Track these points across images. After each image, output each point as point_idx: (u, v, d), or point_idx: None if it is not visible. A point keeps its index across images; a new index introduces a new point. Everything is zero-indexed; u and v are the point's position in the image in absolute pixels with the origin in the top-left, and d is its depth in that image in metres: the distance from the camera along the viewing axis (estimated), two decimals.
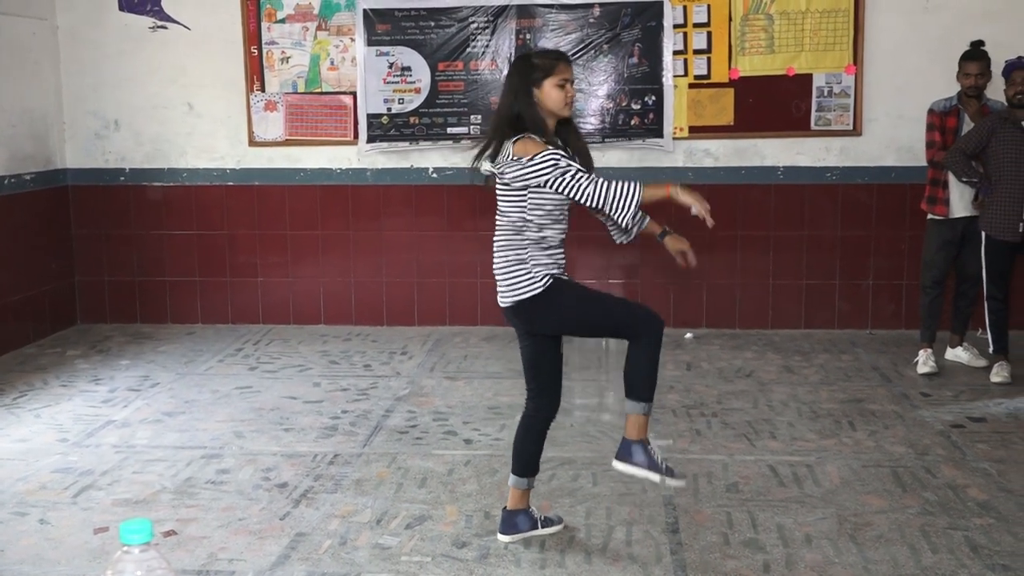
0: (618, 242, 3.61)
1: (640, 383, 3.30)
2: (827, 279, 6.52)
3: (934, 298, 5.62)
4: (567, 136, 3.42)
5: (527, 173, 3.21)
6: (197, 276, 6.88)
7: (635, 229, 3.52)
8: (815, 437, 4.55)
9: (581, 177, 3.17)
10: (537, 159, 3.19)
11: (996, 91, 5.45)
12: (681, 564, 3.34)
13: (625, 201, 3.17)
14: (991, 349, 5.44)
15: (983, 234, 5.33)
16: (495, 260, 3.40)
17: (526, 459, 3.50)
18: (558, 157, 3.19)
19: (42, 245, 6.62)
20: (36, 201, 6.55)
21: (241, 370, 5.83)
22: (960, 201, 5.47)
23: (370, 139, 6.57)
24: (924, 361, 5.58)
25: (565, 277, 3.41)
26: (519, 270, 3.34)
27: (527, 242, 3.33)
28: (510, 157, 3.24)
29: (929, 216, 5.59)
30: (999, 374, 5.34)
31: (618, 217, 3.19)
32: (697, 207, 3.24)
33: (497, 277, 3.40)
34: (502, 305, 3.41)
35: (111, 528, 3.66)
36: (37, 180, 6.55)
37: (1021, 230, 5.20)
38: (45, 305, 6.64)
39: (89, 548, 3.51)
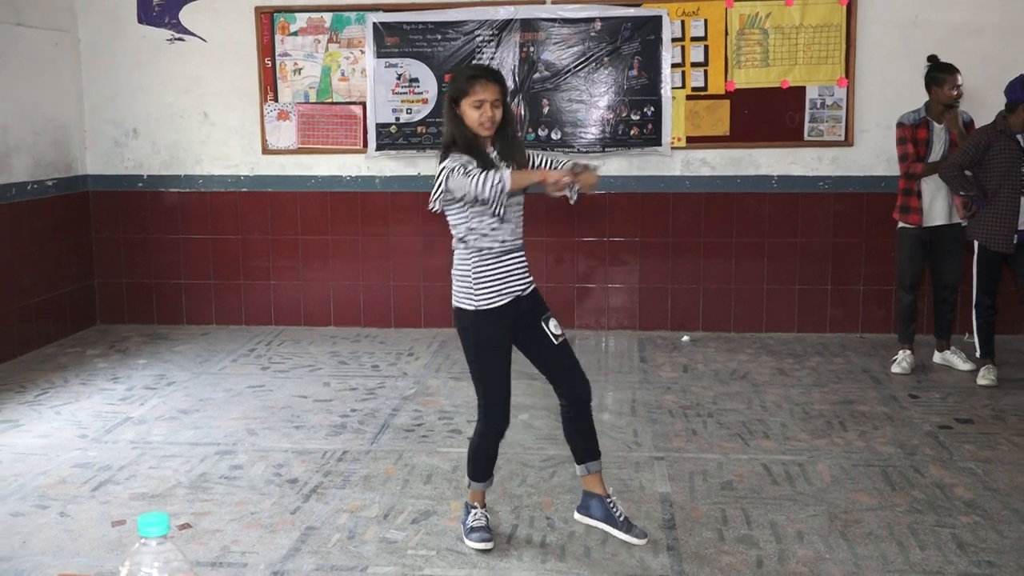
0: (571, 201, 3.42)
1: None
2: (819, 284, 6.56)
3: (911, 301, 5.70)
4: (502, 145, 3.37)
5: (435, 189, 3.27)
6: (212, 279, 6.95)
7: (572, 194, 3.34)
8: (807, 437, 4.59)
9: (462, 179, 3.14)
10: (438, 176, 3.24)
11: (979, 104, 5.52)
12: (677, 559, 3.38)
13: (495, 191, 3.11)
14: (978, 353, 5.50)
15: (976, 244, 5.37)
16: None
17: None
18: (450, 168, 3.19)
19: (63, 248, 6.68)
20: (58, 206, 6.61)
21: (254, 370, 5.87)
22: (932, 210, 5.53)
23: (379, 147, 6.64)
24: (900, 361, 5.67)
25: (512, 298, 3.37)
26: (461, 280, 3.41)
27: (470, 251, 3.36)
28: (438, 179, 3.27)
29: (901, 224, 5.64)
30: (986, 377, 5.40)
31: (493, 207, 3.18)
32: (556, 181, 3.14)
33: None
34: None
35: (128, 521, 3.70)
36: (59, 186, 6.62)
37: (1015, 241, 5.26)
38: (66, 306, 6.71)
39: (107, 540, 3.57)
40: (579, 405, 3.52)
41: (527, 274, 3.46)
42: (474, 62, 6.49)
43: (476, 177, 3.13)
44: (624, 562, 3.38)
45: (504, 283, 3.39)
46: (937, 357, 5.85)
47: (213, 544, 3.53)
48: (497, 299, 3.38)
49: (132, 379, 5.70)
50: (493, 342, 3.42)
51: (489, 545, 3.49)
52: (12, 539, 3.60)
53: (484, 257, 3.36)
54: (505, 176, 3.13)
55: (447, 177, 3.21)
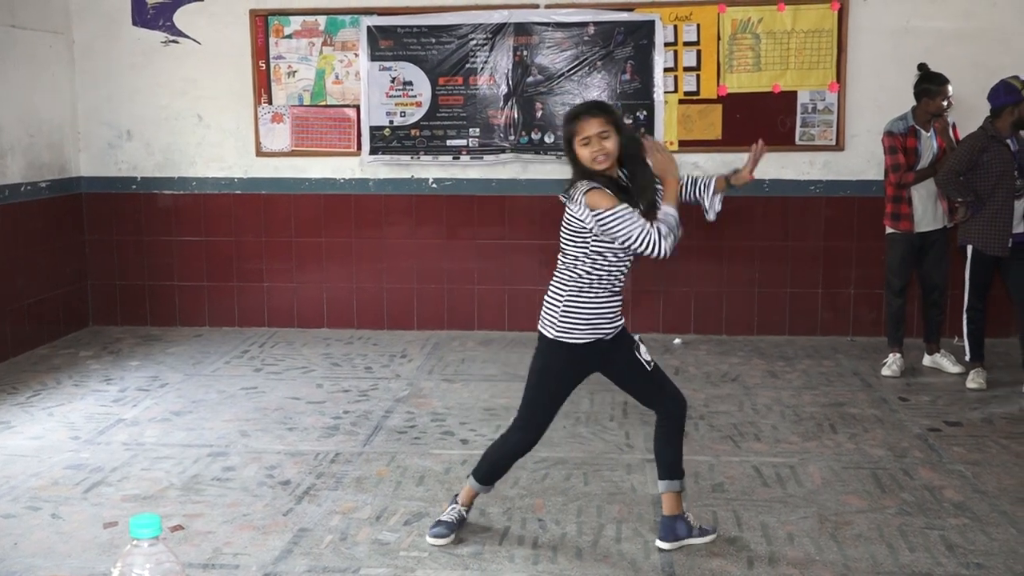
0: (709, 219, 3.60)
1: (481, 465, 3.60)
2: (810, 288, 6.60)
3: (902, 304, 5.74)
4: (634, 172, 3.36)
5: (599, 224, 3.21)
6: (205, 281, 6.95)
7: (712, 209, 3.55)
8: (798, 439, 4.61)
9: (636, 230, 3.17)
10: (607, 213, 3.17)
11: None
12: (668, 560, 3.39)
13: (672, 236, 3.22)
14: (968, 357, 5.54)
15: (969, 248, 5.40)
16: (550, 286, 3.44)
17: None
18: (626, 212, 3.19)
19: (56, 250, 6.68)
20: (51, 208, 6.61)
21: (247, 371, 5.88)
22: (924, 216, 5.58)
23: (372, 150, 6.66)
24: (890, 364, 5.71)
25: (594, 338, 3.35)
26: (550, 306, 3.39)
27: (571, 283, 3.34)
28: (582, 205, 3.22)
29: (891, 230, 5.68)
30: (975, 380, 5.43)
31: (658, 251, 3.22)
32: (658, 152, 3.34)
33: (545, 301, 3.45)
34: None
35: (120, 523, 3.70)
36: (52, 187, 6.63)
37: (1010, 245, 5.30)
38: (59, 308, 6.71)
39: (99, 542, 3.56)
40: (676, 420, 3.52)
41: (618, 317, 3.43)
42: (468, 65, 6.53)
43: (651, 234, 3.18)
44: (615, 564, 3.39)
45: (590, 325, 3.36)
46: (927, 360, 5.88)
47: (205, 546, 3.54)
48: (579, 337, 3.36)
49: (125, 381, 5.70)
50: (558, 374, 3.43)
51: (442, 542, 3.54)
52: (3, 541, 3.60)
53: (584, 294, 3.34)
54: (669, 215, 3.23)
55: (619, 218, 3.17)
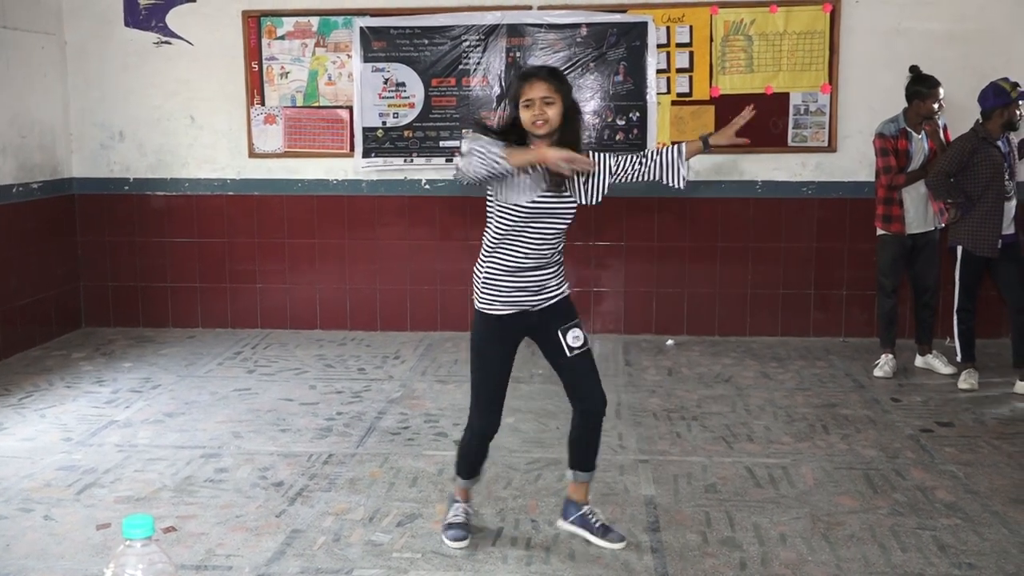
0: (676, 186, 3.37)
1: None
2: (803, 289, 6.62)
3: (894, 305, 5.76)
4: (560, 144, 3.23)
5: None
6: (198, 282, 6.94)
7: (679, 176, 3.32)
8: (790, 440, 4.62)
9: (466, 153, 3.06)
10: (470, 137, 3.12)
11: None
12: (661, 561, 3.39)
13: (470, 160, 3.06)
14: (959, 358, 5.56)
15: (959, 249, 5.42)
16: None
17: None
18: (479, 139, 3.09)
19: (49, 251, 6.67)
20: (43, 209, 6.60)
21: (239, 373, 5.87)
22: (916, 218, 5.60)
23: (365, 152, 6.66)
24: (882, 365, 5.73)
25: (515, 309, 3.32)
26: (476, 274, 3.37)
27: (489, 252, 3.32)
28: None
29: (882, 232, 5.69)
30: (967, 381, 5.46)
31: (482, 171, 3.06)
32: (557, 158, 3.04)
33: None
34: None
35: (113, 524, 3.69)
36: (44, 188, 6.61)
37: (1000, 246, 5.32)
38: (51, 309, 6.70)
39: (92, 544, 3.55)
40: (588, 416, 3.46)
41: (544, 292, 3.35)
42: (461, 66, 6.53)
43: (475, 145, 3.04)
44: (608, 564, 3.39)
45: (509, 296, 3.33)
46: (919, 361, 5.91)
47: (198, 547, 3.53)
48: (498, 308, 3.35)
49: (117, 382, 5.70)
50: (487, 346, 3.39)
51: (462, 544, 3.51)
52: None
53: (498, 266, 3.31)
54: (497, 147, 3.03)
55: (469, 139, 3.10)
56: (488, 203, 3.33)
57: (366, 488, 4.08)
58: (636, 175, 3.36)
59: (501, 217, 3.27)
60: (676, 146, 3.36)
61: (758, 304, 6.67)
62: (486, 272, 3.34)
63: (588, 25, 6.44)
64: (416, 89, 6.61)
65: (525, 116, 3.22)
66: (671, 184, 3.36)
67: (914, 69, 5.61)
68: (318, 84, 6.68)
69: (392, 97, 6.63)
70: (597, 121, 6.52)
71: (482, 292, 3.35)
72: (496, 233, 3.30)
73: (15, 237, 6.33)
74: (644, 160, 3.35)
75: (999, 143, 5.32)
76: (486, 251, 3.35)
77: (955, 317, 5.55)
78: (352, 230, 6.83)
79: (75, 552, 3.50)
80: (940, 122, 5.63)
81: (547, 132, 3.21)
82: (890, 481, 4.12)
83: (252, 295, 6.95)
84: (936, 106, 5.48)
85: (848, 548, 3.50)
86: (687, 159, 3.33)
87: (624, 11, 6.44)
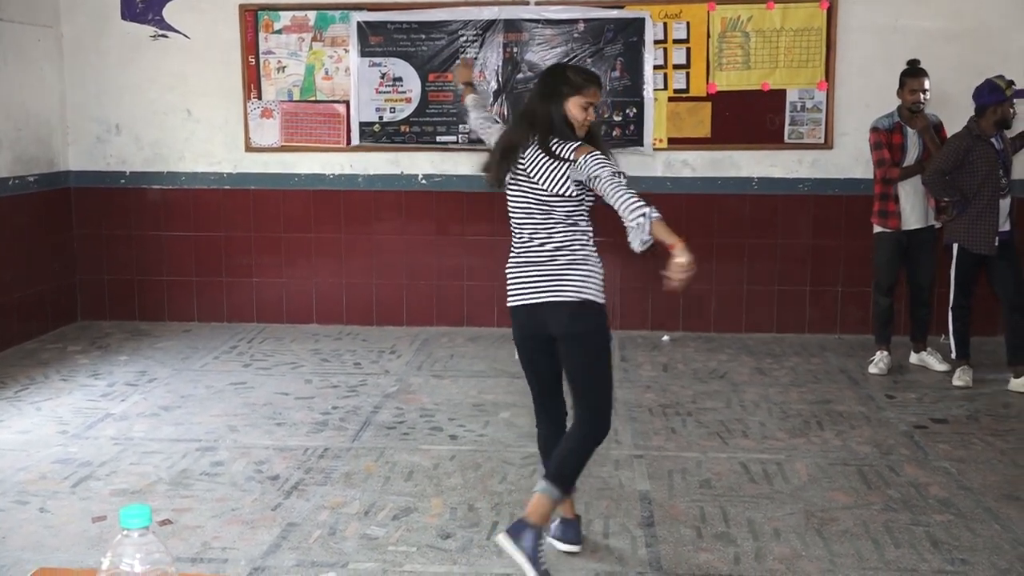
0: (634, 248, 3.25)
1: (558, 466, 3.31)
2: (798, 285, 6.62)
3: (889, 302, 5.77)
4: (590, 143, 3.33)
5: (563, 170, 3.23)
6: (194, 276, 6.94)
7: (639, 238, 3.18)
8: (785, 436, 4.65)
9: (615, 183, 3.16)
10: (587, 162, 3.19)
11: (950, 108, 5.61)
12: (656, 556, 3.42)
13: (641, 218, 3.11)
14: (954, 355, 5.58)
15: (955, 246, 5.44)
16: (552, 262, 3.28)
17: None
18: (604, 163, 3.20)
19: (45, 244, 6.66)
20: (39, 202, 6.59)
21: (235, 367, 5.88)
22: (912, 213, 5.60)
23: (362, 146, 6.68)
24: (876, 362, 5.74)
25: (518, 303, 3.34)
26: (585, 268, 3.30)
27: (590, 240, 3.34)
28: (573, 154, 3.21)
29: (879, 228, 5.70)
30: (961, 378, 5.47)
31: (635, 240, 3.13)
32: (679, 267, 3.01)
33: (554, 276, 3.27)
34: (559, 300, 3.25)
35: (109, 517, 3.70)
36: (41, 182, 6.60)
37: (996, 243, 5.33)
38: (47, 302, 6.69)
39: (87, 536, 3.57)
40: (579, 435, 3.32)
41: (528, 288, 3.29)
42: (458, 61, 6.49)
43: (629, 195, 3.11)
44: (603, 558, 3.41)
45: (511, 286, 3.37)
46: (913, 358, 5.92)
47: (194, 540, 3.54)
48: (509, 299, 3.38)
49: (113, 375, 5.70)
50: (518, 342, 3.44)
51: (577, 547, 3.49)
52: None
53: (510, 254, 3.40)
54: (653, 214, 3.10)
55: (600, 164, 3.16)
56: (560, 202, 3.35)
57: (361, 482, 4.09)
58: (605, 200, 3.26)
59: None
60: (649, 216, 3.11)
61: (754, 300, 6.68)
62: (597, 260, 3.39)
63: (585, 21, 6.44)
64: (413, 84, 6.60)
65: (580, 115, 3.33)
66: (629, 241, 3.19)
67: (911, 61, 5.62)
68: (315, 78, 6.67)
69: (389, 92, 6.63)
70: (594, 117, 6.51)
71: (599, 275, 3.35)
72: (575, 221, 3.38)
73: (11, 230, 6.32)
74: (616, 204, 3.15)
75: (993, 140, 5.33)
76: (587, 242, 3.39)
77: (950, 315, 5.58)
78: (348, 225, 6.82)
79: (71, 544, 3.51)
80: (933, 118, 5.63)
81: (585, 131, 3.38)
82: (884, 477, 4.14)
83: (248, 289, 6.95)
84: (913, 97, 5.47)
85: (842, 543, 3.52)
86: (650, 233, 3.11)
87: (621, 7, 6.43)
